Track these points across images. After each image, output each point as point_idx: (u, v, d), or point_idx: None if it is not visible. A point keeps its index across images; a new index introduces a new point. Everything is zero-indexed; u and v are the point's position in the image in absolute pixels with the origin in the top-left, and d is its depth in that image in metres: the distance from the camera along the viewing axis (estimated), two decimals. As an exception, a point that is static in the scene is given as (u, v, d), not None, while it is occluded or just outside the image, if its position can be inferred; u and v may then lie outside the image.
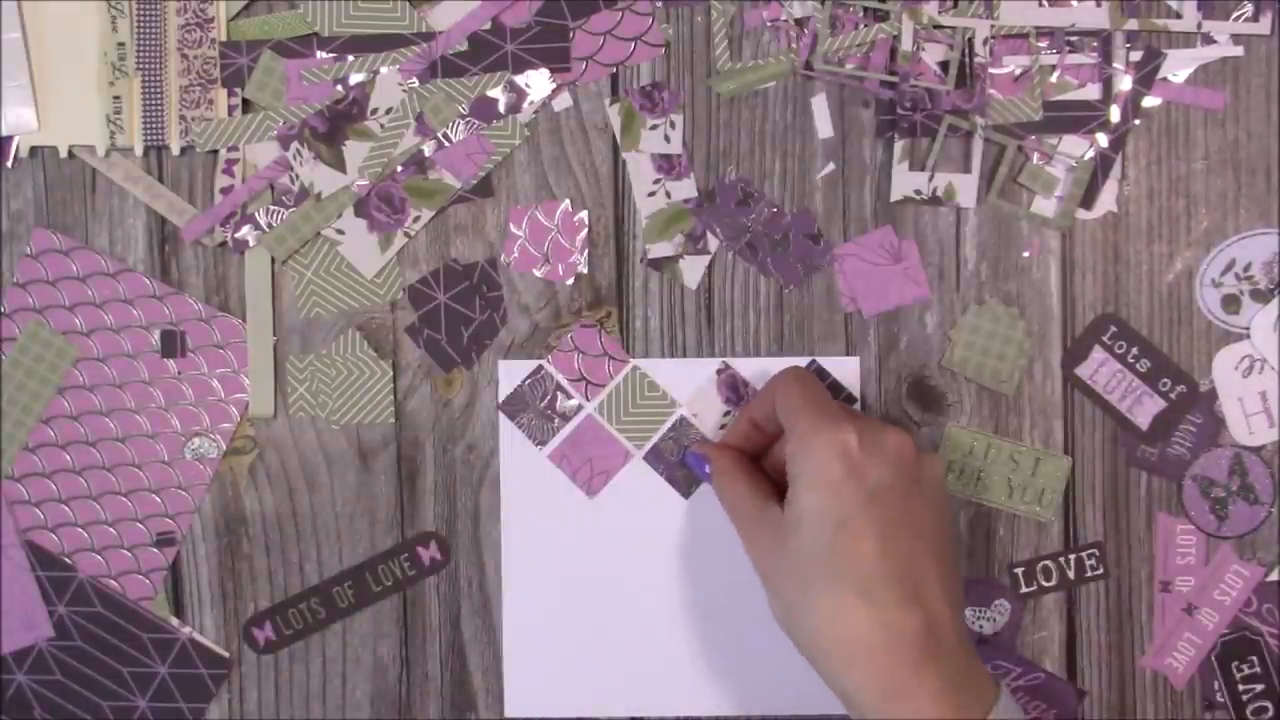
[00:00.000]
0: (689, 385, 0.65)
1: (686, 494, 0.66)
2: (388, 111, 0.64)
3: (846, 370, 0.65)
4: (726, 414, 0.65)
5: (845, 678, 0.54)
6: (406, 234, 0.65)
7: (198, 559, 0.66)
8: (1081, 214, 0.65)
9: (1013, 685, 0.65)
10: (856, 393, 0.65)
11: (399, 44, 0.64)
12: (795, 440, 0.57)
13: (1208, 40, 0.64)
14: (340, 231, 0.65)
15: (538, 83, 0.64)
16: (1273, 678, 0.65)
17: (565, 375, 0.65)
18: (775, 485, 0.61)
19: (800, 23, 0.64)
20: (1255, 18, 0.64)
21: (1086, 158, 0.65)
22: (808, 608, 0.55)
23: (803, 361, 0.65)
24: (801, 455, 0.56)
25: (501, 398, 0.65)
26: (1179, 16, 0.64)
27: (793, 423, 0.58)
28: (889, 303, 0.65)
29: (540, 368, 0.65)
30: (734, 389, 0.65)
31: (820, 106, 0.65)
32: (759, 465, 0.63)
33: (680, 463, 0.65)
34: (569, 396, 0.65)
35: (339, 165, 0.64)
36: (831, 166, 0.65)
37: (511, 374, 0.65)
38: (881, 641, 0.53)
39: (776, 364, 0.65)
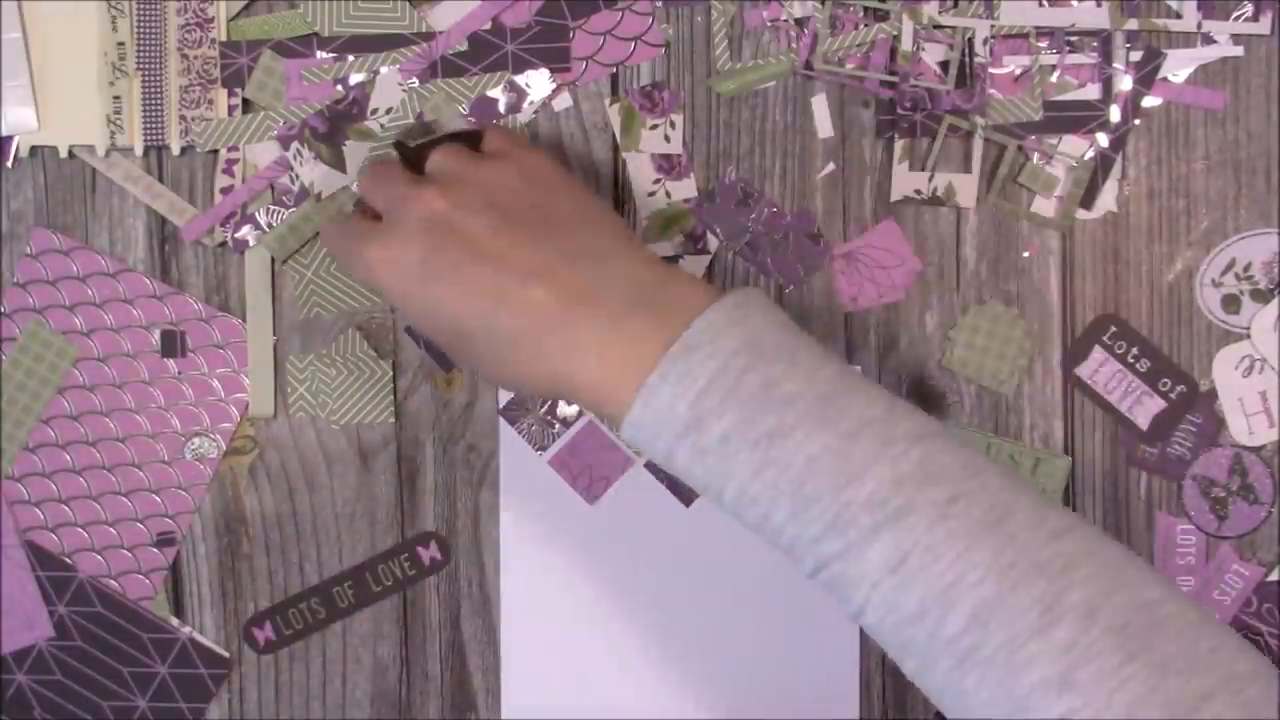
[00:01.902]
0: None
1: (687, 502, 0.66)
2: (388, 111, 0.64)
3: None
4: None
5: (538, 386, 0.54)
6: (406, 234, 0.65)
7: (198, 559, 0.66)
8: (1081, 214, 0.65)
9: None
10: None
11: (399, 44, 0.64)
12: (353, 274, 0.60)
13: (1208, 40, 0.64)
14: (340, 231, 0.65)
15: (538, 83, 0.64)
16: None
17: (566, 379, 0.65)
18: None
19: (800, 23, 0.64)
20: (1255, 18, 0.64)
21: (1086, 158, 0.65)
22: (491, 372, 0.54)
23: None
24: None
25: (502, 403, 0.65)
26: (1179, 16, 0.64)
27: (341, 261, 0.60)
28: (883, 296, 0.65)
29: (541, 371, 0.65)
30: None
31: (820, 106, 0.65)
32: None
33: None
34: (569, 402, 0.65)
35: (339, 165, 0.64)
36: (831, 166, 0.65)
37: (512, 377, 0.65)
38: (522, 342, 0.51)
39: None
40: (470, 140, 0.58)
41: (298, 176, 0.64)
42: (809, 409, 0.47)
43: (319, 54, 0.64)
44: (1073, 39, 0.64)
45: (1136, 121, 0.65)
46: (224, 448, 0.65)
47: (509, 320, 0.51)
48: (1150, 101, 0.65)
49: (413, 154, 0.58)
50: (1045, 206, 0.65)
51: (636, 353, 0.49)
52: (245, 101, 0.64)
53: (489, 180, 0.54)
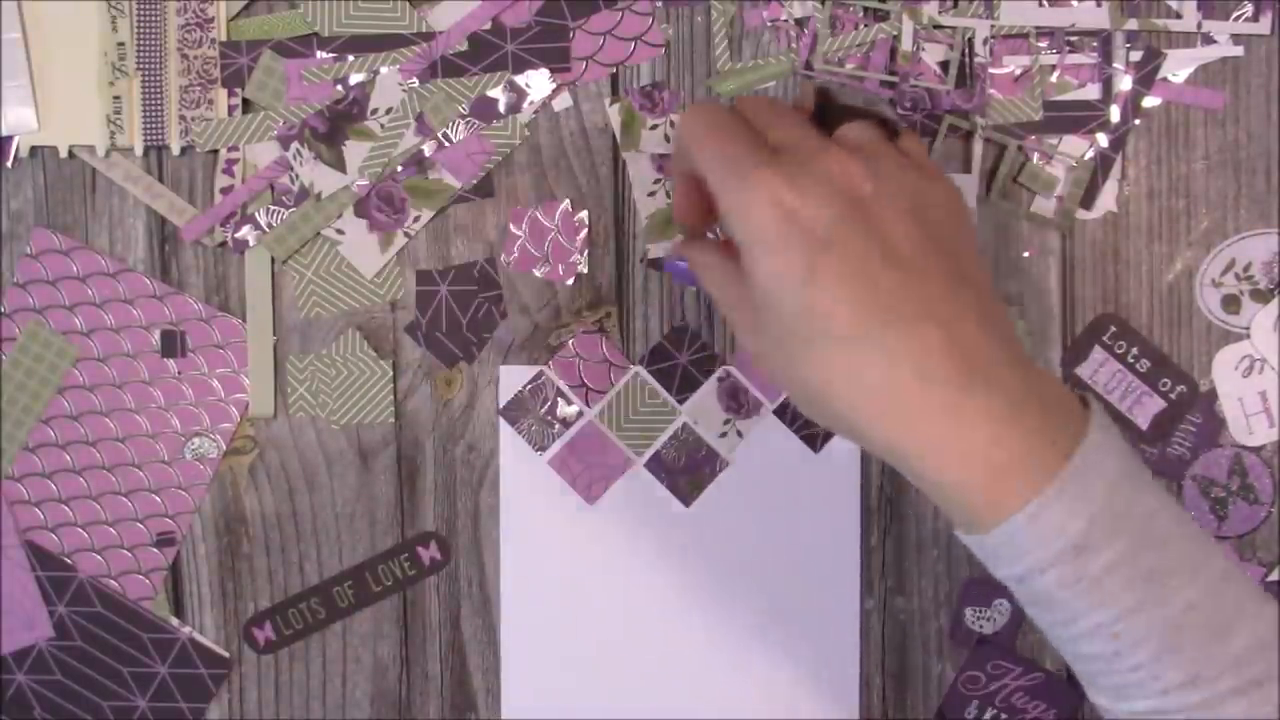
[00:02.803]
0: (690, 392, 0.66)
1: (687, 502, 0.66)
2: (388, 111, 0.64)
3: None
4: (726, 421, 0.65)
5: (881, 439, 0.46)
6: (406, 234, 0.65)
7: (198, 559, 0.66)
8: (1081, 214, 0.65)
9: (1013, 685, 0.66)
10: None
11: (399, 44, 0.64)
12: (723, 201, 0.48)
13: (1208, 40, 0.64)
14: (340, 231, 0.65)
15: (538, 83, 0.64)
16: (1272, 678, 0.65)
17: (566, 381, 0.65)
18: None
19: (800, 23, 0.64)
20: (1255, 18, 0.64)
21: (1086, 158, 0.65)
22: (811, 379, 0.47)
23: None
24: (734, 219, 0.47)
25: (502, 403, 0.65)
26: (1179, 16, 0.64)
27: (713, 180, 0.48)
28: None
29: (541, 374, 0.65)
30: (735, 397, 0.65)
31: (820, 106, 0.65)
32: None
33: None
34: (569, 402, 0.65)
35: (339, 165, 0.64)
36: (831, 166, 0.65)
37: (512, 379, 0.65)
38: (893, 379, 0.45)
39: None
40: (885, 129, 0.52)
41: (298, 176, 0.64)
42: (1184, 550, 0.46)
43: (319, 54, 0.64)
44: (1073, 39, 0.64)
45: (1136, 121, 0.65)
46: (224, 448, 0.65)
47: (895, 344, 0.45)
48: (1150, 101, 0.65)
49: (826, 111, 0.52)
50: (1045, 206, 0.65)
51: (1031, 452, 0.45)
52: (245, 101, 0.64)
53: (915, 189, 0.48)
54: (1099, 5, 0.64)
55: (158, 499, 0.65)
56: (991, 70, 0.64)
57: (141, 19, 0.64)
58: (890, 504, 0.66)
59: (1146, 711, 0.46)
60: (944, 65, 0.64)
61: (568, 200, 0.65)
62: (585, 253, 0.65)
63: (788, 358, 0.48)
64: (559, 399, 0.65)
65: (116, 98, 0.64)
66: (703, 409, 0.65)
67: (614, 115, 0.65)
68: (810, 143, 0.48)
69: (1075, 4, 0.64)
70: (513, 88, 0.64)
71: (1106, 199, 0.65)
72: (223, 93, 0.64)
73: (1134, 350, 0.65)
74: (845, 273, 0.45)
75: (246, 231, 0.64)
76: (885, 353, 0.45)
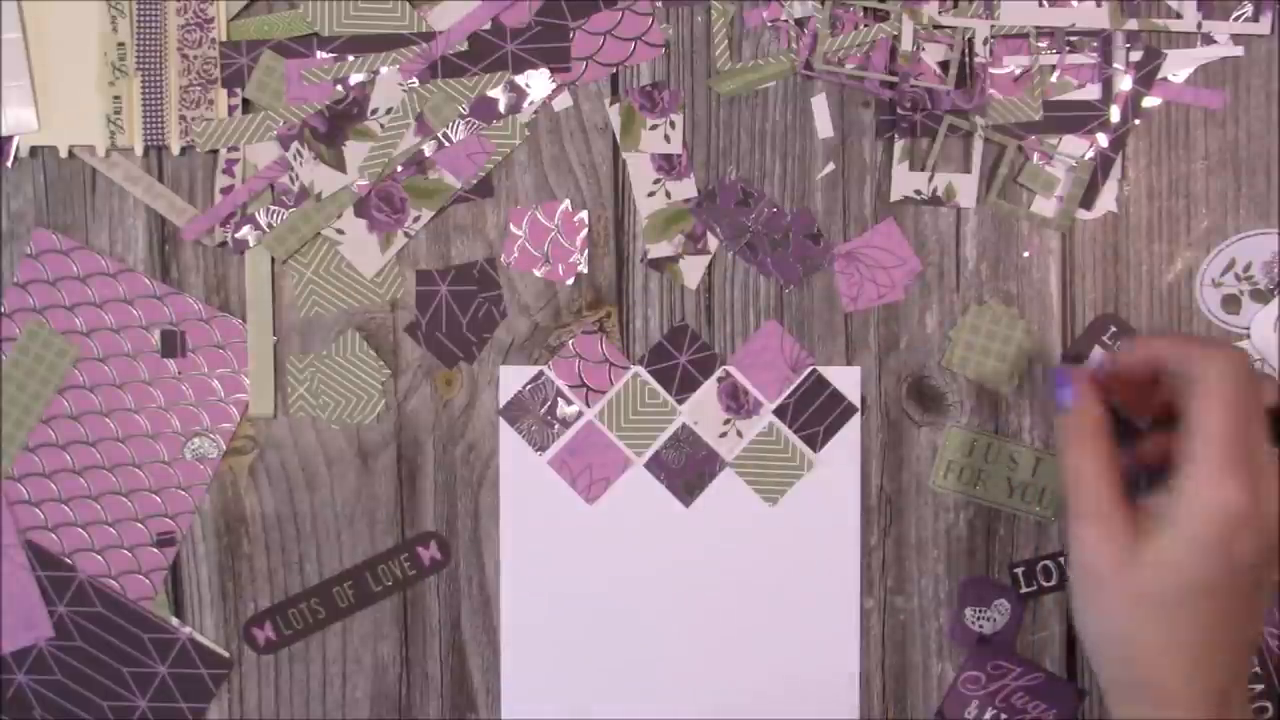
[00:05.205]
0: (690, 392, 0.66)
1: (687, 503, 0.66)
2: (388, 111, 0.64)
3: (848, 379, 0.65)
4: (726, 421, 0.65)
5: (1125, 712, 0.53)
6: (406, 234, 0.65)
7: (198, 559, 0.66)
8: (1081, 214, 0.65)
9: (1013, 685, 0.66)
10: (857, 400, 0.65)
11: (399, 44, 0.64)
12: (1196, 473, 0.51)
13: (1208, 40, 0.64)
14: (340, 231, 0.65)
15: (538, 83, 0.64)
16: (1273, 678, 0.65)
17: (566, 381, 0.65)
18: (1124, 465, 0.55)
19: (800, 23, 0.64)
20: (1255, 18, 0.64)
21: (1086, 158, 0.65)
22: (1118, 637, 0.53)
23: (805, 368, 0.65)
24: (1191, 496, 0.51)
25: (502, 403, 0.65)
26: (1179, 16, 0.64)
27: (1203, 444, 0.51)
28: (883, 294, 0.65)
29: (541, 374, 0.65)
30: (735, 397, 0.65)
31: (820, 106, 0.65)
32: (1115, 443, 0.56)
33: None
34: (569, 403, 0.65)
35: (339, 165, 0.64)
36: (831, 166, 0.65)
37: (512, 380, 0.65)
38: (1196, 664, 0.51)
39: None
40: None
41: (298, 176, 0.64)
42: None
43: (319, 54, 0.64)
44: (1073, 39, 0.64)
45: (1136, 121, 0.65)
46: (224, 448, 0.65)
47: (1214, 650, 0.52)
48: (1150, 101, 0.65)
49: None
50: (1045, 206, 0.65)
51: None
52: (245, 101, 0.64)
53: None
54: (1099, 5, 0.64)
55: (158, 499, 0.65)
56: (991, 70, 0.64)
57: (141, 19, 0.64)
58: (890, 504, 0.66)
59: None
60: (944, 65, 0.64)
61: (568, 200, 0.65)
62: (585, 253, 0.65)
63: (1118, 607, 0.52)
64: (559, 399, 0.65)
65: (116, 98, 0.64)
66: (702, 409, 0.65)
67: (614, 115, 0.65)
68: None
69: (1075, 4, 0.64)
70: (513, 88, 0.64)
71: (1106, 199, 0.65)
72: (223, 93, 0.64)
73: (1134, 350, 0.65)
74: (1216, 617, 0.51)
75: (246, 231, 0.64)
76: (1180, 697, 0.52)
